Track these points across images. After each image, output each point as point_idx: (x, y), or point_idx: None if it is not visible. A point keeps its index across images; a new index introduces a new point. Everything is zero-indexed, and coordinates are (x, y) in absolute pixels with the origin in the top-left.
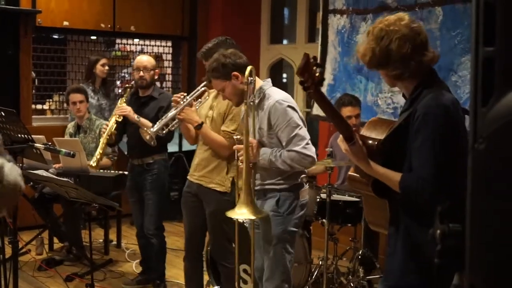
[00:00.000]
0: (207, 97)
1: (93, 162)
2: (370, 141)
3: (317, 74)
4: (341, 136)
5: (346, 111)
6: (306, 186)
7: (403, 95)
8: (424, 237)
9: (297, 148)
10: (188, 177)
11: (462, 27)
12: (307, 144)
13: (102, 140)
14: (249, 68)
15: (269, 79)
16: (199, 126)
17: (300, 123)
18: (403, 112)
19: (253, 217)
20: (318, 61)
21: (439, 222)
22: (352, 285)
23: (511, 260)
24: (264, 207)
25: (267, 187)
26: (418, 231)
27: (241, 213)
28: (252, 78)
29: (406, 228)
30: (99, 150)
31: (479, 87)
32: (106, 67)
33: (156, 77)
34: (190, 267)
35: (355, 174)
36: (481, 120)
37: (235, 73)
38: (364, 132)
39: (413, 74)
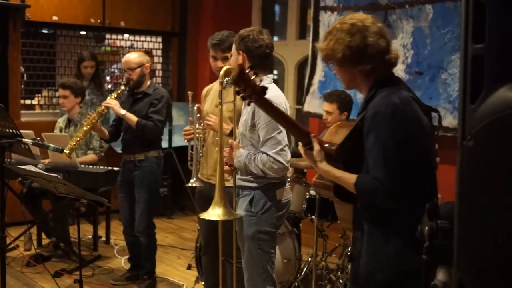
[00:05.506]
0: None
1: (66, 149)
2: (330, 146)
3: (257, 83)
4: (300, 143)
5: (323, 106)
6: (288, 185)
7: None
8: (385, 238)
9: (269, 152)
10: (199, 175)
11: (453, 25)
12: (282, 150)
13: (80, 129)
14: (224, 68)
15: (271, 75)
16: (231, 134)
17: (281, 127)
18: (359, 114)
19: (223, 219)
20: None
21: (427, 218)
22: (341, 281)
23: (499, 256)
24: (238, 204)
25: (242, 183)
26: (378, 232)
27: (214, 214)
28: (228, 79)
29: (368, 230)
30: (75, 138)
31: (468, 84)
32: (88, 69)
33: (147, 71)
34: (208, 263)
35: (319, 180)
36: (469, 117)
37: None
38: (326, 136)
39: (380, 71)
